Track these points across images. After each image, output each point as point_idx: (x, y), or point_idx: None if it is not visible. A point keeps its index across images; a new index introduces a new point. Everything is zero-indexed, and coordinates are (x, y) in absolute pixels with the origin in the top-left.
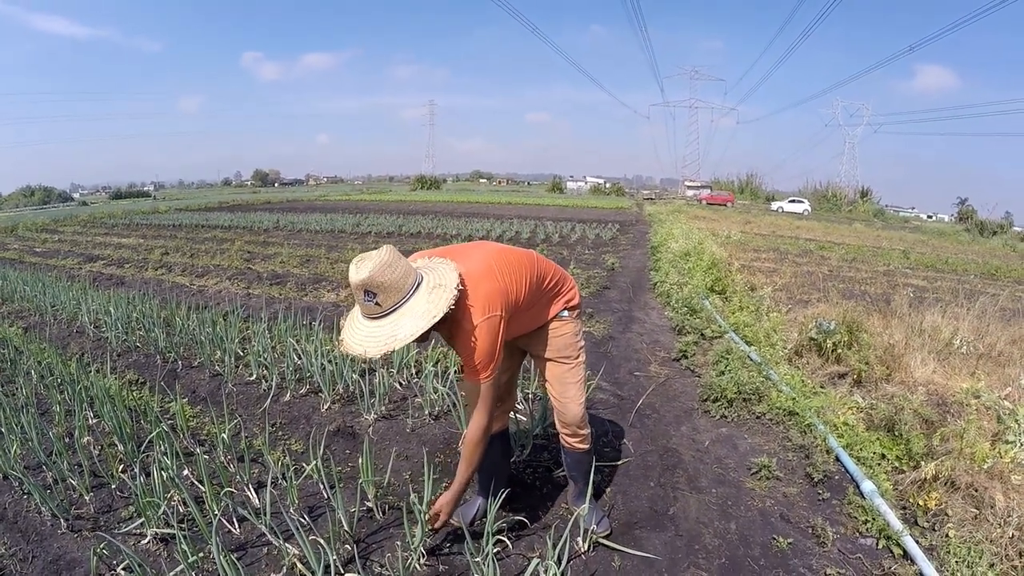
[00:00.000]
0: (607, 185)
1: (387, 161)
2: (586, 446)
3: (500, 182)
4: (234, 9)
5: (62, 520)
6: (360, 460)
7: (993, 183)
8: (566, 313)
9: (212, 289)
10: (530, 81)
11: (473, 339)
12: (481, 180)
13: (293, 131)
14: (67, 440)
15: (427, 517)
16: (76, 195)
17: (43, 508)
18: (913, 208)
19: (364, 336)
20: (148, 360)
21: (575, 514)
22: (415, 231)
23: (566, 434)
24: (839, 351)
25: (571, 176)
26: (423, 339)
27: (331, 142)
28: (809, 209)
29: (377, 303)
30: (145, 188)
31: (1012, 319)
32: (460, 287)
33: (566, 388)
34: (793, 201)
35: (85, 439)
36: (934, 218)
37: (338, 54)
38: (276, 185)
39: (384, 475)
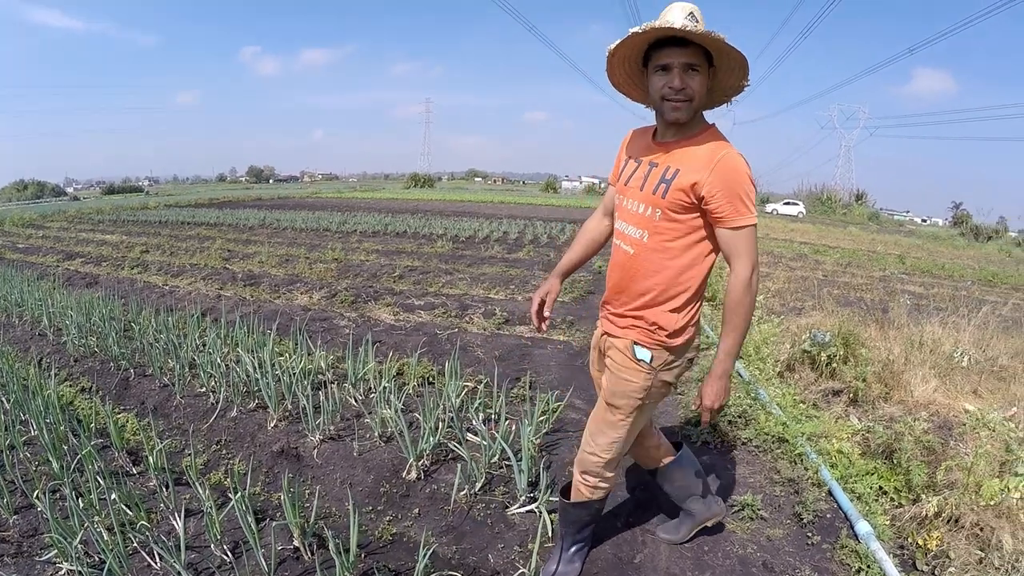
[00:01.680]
0: (601, 185)
1: (383, 158)
2: (593, 496)
3: (495, 181)
4: (233, 2)
5: None
6: (301, 487)
7: (988, 188)
8: (647, 356)
9: (184, 290)
10: (529, 80)
11: (741, 172)
12: (476, 179)
13: (290, 127)
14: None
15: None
16: (70, 190)
17: None
18: (908, 212)
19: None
20: (103, 367)
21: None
22: (401, 230)
23: (579, 477)
24: (834, 365)
25: (567, 175)
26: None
27: (327, 138)
28: (804, 212)
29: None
30: (139, 183)
31: (1013, 329)
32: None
33: (597, 433)
34: (788, 203)
35: (22, 455)
36: (928, 222)
37: (337, 50)
38: (270, 181)
39: (323, 505)
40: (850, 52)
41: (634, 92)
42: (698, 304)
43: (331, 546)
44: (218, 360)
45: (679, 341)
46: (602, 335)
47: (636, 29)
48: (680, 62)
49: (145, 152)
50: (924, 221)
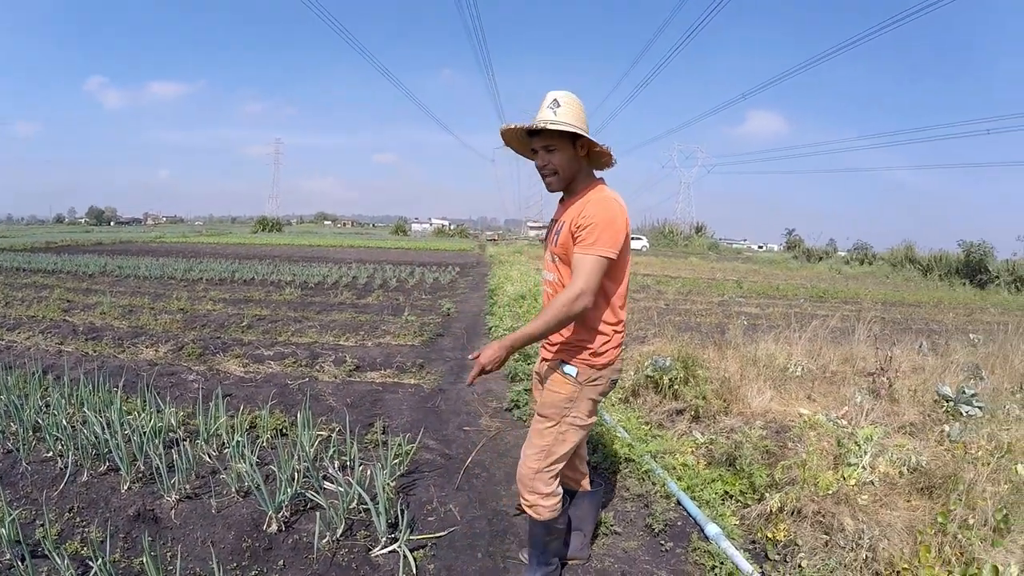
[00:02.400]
0: (451, 227)
1: (231, 200)
2: (538, 516)
3: (345, 224)
4: (80, 26)
5: None
6: (162, 549)
7: (819, 214)
8: (573, 371)
9: (22, 345)
10: (380, 122)
11: (601, 210)
12: (326, 222)
13: (135, 164)
14: None
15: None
16: None
17: None
18: (745, 240)
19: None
20: None
21: None
22: (249, 277)
23: (520, 491)
24: (676, 387)
25: (416, 218)
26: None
27: (173, 178)
28: (647, 245)
29: (555, 112)
30: None
31: (842, 339)
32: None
33: (528, 445)
34: (632, 238)
35: None
36: (764, 248)
37: (187, 84)
38: (112, 224)
39: (187, 567)
40: (686, 98)
41: (533, 156)
42: (616, 328)
43: None
44: (63, 422)
45: (601, 361)
46: (540, 361)
47: (502, 127)
48: (540, 146)
49: None
50: (761, 247)
